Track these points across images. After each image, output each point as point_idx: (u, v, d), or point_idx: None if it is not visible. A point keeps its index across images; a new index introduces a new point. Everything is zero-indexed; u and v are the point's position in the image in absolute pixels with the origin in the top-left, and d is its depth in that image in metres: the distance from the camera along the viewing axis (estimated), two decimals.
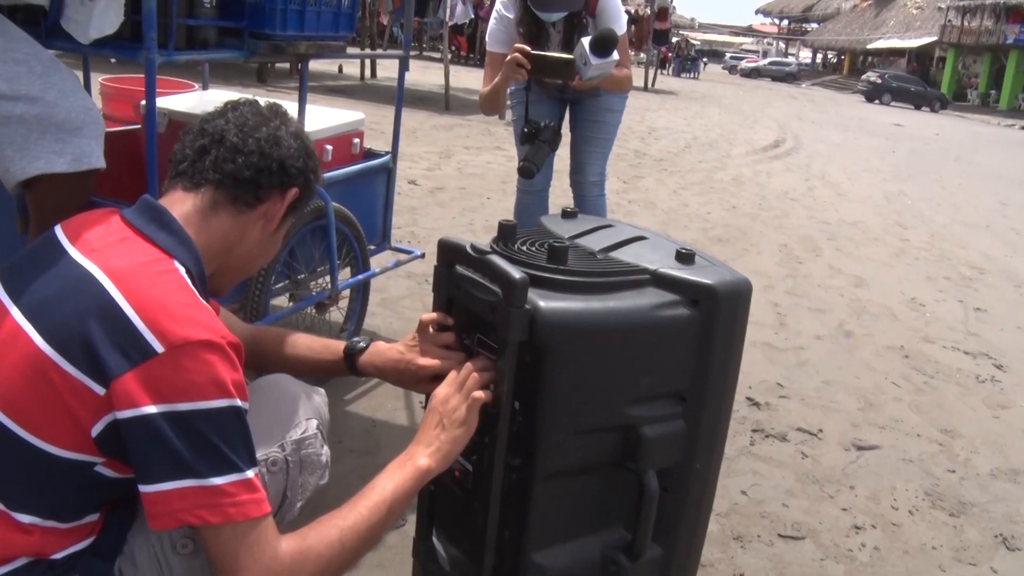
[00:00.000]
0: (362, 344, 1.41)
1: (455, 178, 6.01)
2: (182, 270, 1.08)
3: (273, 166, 1.18)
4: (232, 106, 1.24)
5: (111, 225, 1.12)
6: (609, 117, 2.98)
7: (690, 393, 1.33)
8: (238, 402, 1.01)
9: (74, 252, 1.07)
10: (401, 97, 2.78)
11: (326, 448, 1.30)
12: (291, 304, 2.44)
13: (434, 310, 1.39)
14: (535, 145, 2.46)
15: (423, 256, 2.93)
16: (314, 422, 1.29)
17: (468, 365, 1.27)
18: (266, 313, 2.21)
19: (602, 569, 1.38)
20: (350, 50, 3.10)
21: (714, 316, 1.29)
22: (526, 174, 2.48)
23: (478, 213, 5.07)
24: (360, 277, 2.58)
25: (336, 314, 2.68)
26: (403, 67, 2.75)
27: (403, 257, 2.86)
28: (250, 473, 1.01)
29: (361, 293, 2.70)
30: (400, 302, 3.37)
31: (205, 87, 3.00)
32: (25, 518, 1.01)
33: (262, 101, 1.28)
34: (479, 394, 1.24)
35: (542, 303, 1.20)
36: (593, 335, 1.23)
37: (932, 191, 8.79)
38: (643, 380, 1.30)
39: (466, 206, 5.21)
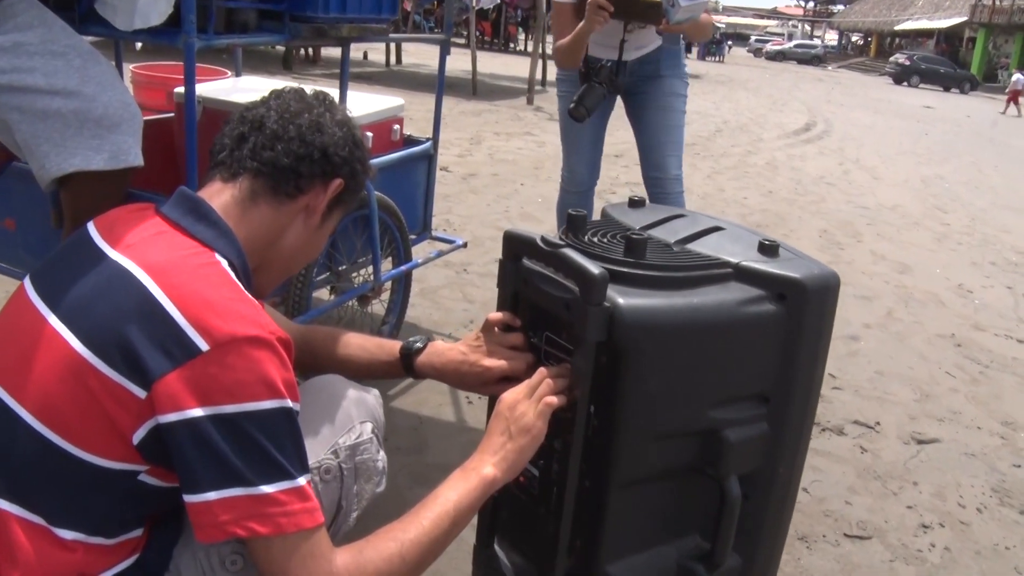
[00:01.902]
0: (419, 344, 1.34)
1: (487, 164, 5.94)
2: (224, 263, 1.01)
3: (315, 154, 1.11)
4: (275, 94, 1.17)
5: (146, 220, 1.05)
6: (676, 102, 2.68)
7: (774, 393, 1.25)
8: (289, 403, 0.94)
9: (108, 249, 1.00)
10: (442, 82, 2.70)
11: (382, 453, 1.23)
12: (332, 297, 2.38)
13: (499, 307, 1.32)
14: (589, 85, 2.25)
15: (465, 245, 2.86)
16: (369, 425, 1.22)
17: (541, 370, 1.20)
18: (308, 307, 2.15)
19: None
20: (392, 34, 3.02)
21: (801, 312, 1.21)
22: (576, 117, 2.28)
23: (512, 200, 4.99)
24: (403, 268, 2.51)
25: (376, 306, 2.62)
26: (444, 51, 2.67)
27: (445, 247, 2.79)
28: (302, 480, 0.94)
29: (403, 285, 2.64)
30: (439, 292, 3.30)
31: (238, 73, 2.94)
32: (68, 535, 0.94)
33: (308, 88, 1.21)
34: (551, 399, 1.17)
35: (621, 300, 1.13)
36: (676, 334, 1.15)
37: (969, 174, 8.59)
38: (726, 381, 1.22)
39: (500, 193, 5.13)
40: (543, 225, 4.51)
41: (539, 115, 9.09)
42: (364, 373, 1.39)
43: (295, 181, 1.11)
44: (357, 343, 1.39)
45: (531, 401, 1.17)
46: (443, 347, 1.33)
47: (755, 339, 1.21)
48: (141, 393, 0.90)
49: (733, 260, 1.23)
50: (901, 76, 31.17)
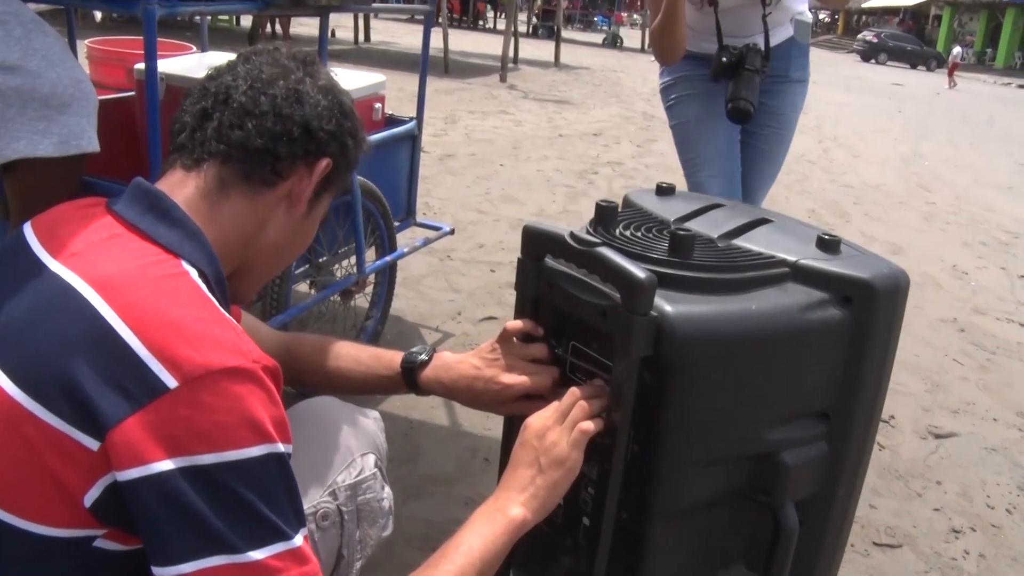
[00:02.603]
0: (423, 356, 1.16)
1: (464, 144, 5.74)
2: (193, 272, 0.82)
3: (294, 130, 0.92)
4: (244, 57, 0.97)
5: (95, 220, 0.86)
6: (793, 122, 2.19)
7: (836, 410, 1.09)
8: (280, 447, 0.76)
9: (48, 259, 0.81)
10: (426, 57, 2.51)
11: (388, 490, 1.06)
12: (313, 292, 2.19)
13: (516, 314, 1.14)
14: (742, 75, 1.79)
15: (452, 232, 2.68)
16: (371, 458, 1.05)
17: (573, 391, 1.03)
18: (287, 305, 1.96)
19: None
20: (374, 4, 2.82)
21: (870, 316, 1.05)
22: (743, 116, 1.79)
23: (493, 181, 4.81)
24: (388, 258, 2.33)
25: (359, 300, 2.43)
26: (428, 23, 2.48)
27: (431, 234, 2.61)
28: (298, 539, 0.77)
29: (388, 276, 2.45)
30: (423, 281, 3.12)
31: (204, 49, 2.72)
32: None
33: (284, 48, 1.00)
34: (586, 426, 1.00)
35: (670, 308, 0.96)
36: (731, 346, 0.99)
37: (946, 152, 8.54)
38: (784, 398, 1.06)
39: (479, 173, 4.94)
40: (526, 207, 4.35)
41: (513, 93, 8.88)
42: (358, 389, 1.21)
43: (272, 165, 0.91)
44: (350, 354, 1.21)
45: (563, 428, 1.00)
46: (452, 360, 1.15)
47: (817, 349, 1.05)
48: (93, 444, 0.72)
49: (790, 258, 1.07)
50: (869, 53, 31.26)
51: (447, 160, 5.20)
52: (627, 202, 1.34)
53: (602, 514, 1.04)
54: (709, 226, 1.17)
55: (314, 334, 1.31)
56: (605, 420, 1.02)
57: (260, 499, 0.74)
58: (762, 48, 1.88)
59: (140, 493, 0.71)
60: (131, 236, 0.83)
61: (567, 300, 1.06)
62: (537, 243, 1.09)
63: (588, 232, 1.12)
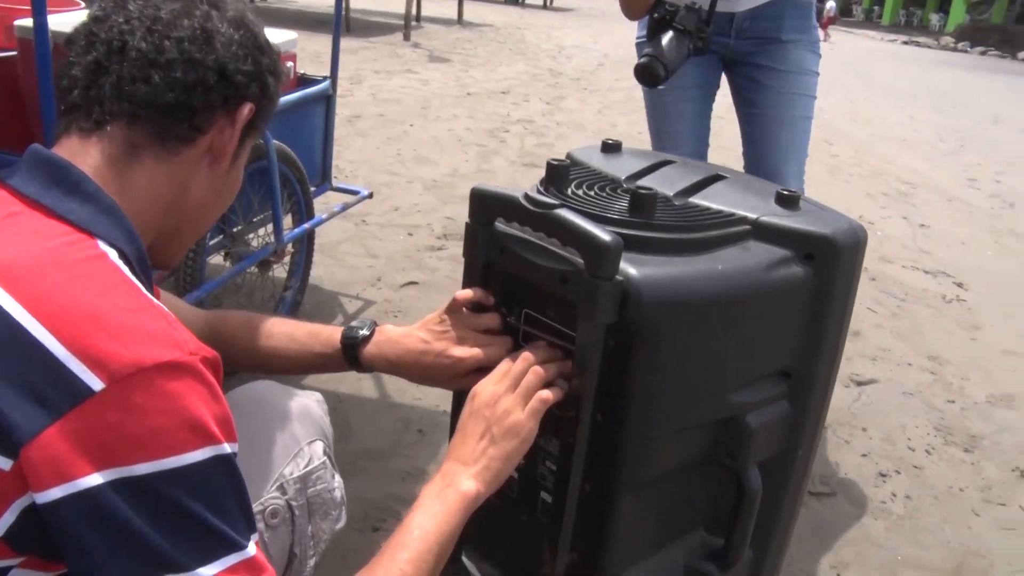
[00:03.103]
0: (364, 331, 1.07)
1: (371, 104, 5.56)
2: (112, 253, 0.72)
3: (209, 77, 0.80)
4: None
5: None
6: (804, 84, 1.86)
7: (797, 369, 1.07)
8: (226, 447, 0.67)
9: None
10: (340, 11, 2.39)
11: (338, 479, 0.99)
12: (229, 264, 2.06)
13: (465, 282, 1.08)
14: (668, 35, 1.51)
15: (371, 196, 2.57)
16: (319, 445, 0.97)
17: (525, 355, 0.97)
18: (203, 279, 1.84)
19: None
20: None
21: (832, 273, 1.03)
22: (648, 76, 1.48)
23: (403, 142, 4.67)
24: (307, 226, 2.21)
25: (277, 269, 2.31)
26: None
27: (350, 199, 2.49)
28: (251, 547, 0.68)
29: (306, 244, 2.33)
30: (340, 248, 3.00)
31: (92, 2, 2.50)
32: None
33: None
34: (545, 395, 0.94)
35: (634, 271, 0.91)
36: (698, 309, 0.95)
37: (844, 107, 8.80)
38: (749, 359, 1.03)
39: (389, 135, 4.79)
40: (439, 168, 4.24)
41: (418, 52, 8.67)
42: (293, 369, 1.12)
43: (188, 119, 0.80)
44: (283, 332, 1.11)
45: (516, 395, 0.94)
46: (396, 334, 1.08)
47: (780, 308, 1.03)
48: (4, 464, 0.61)
49: (751, 215, 1.04)
50: None
51: (355, 121, 5.02)
52: (572, 160, 1.28)
53: (566, 488, 0.99)
54: (662, 183, 1.13)
55: (240, 310, 1.21)
56: (566, 390, 0.97)
57: (207, 508, 0.66)
58: (703, 10, 1.58)
59: (65, 514, 0.61)
60: (34, 214, 0.72)
61: (521, 266, 0.99)
62: (487, 207, 1.02)
63: (540, 192, 1.06)
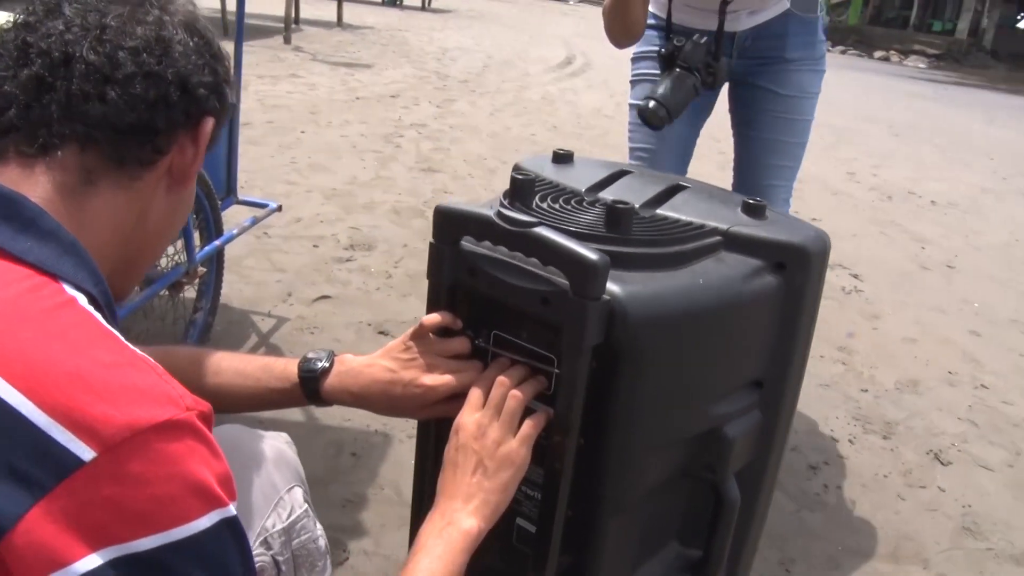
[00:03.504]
0: (323, 363, 1.00)
1: (259, 111, 5.35)
2: (81, 298, 0.63)
3: (172, 92, 0.72)
4: None
5: None
6: (803, 107, 1.81)
7: (769, 377, 1.07)
8: (231, 509, 0.61)
9: None
10: (241, 16, 2.27)
11: (319, 526, 0.92)
12: (139, 290, 1.91)
13: (430, 305, 1.02)
14: (674, 74, 1.48)
15: (280, 208, 2.45)
16: (298, 492, 0.90)
17: (500, 380, 0.93)
18: None
19: None
20: None
21: (802, 281, 1.03)
22: (652, 120, 1.47)
23: (297, 150, 4.51)
24: (218, 243, 2.08)
25: (187, 290, 2.17)
26: None
27: (259, 212, 2.37)
28: None
29: (215, 262, 2.20)
30: (243, 263, 2.85)
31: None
32: None
33: None
34: (536, 420, 0.91)
35: (618, 289, 0.88)
36: (681, 324, 0.93)
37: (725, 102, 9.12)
38: (728, 371, 1.02)
39: (281, 142, 4.62)
40: (337, 176, 4.12)
41: (301, 55, 8.42)
42: (245, 406, 1.04)
43: (150, 141, 0.72)
44: (233, 367, 1.03)
45: (502, 423, 0.90)
46: (359, 364, 1.01)
47: (754, 318, 1.02)
48: None
49: (722, 226, 1.02)
50: None
51: (244, 129, 4.79)
52: (521, 171, 1.23)
53: (552, 516, 0.95)
54: (626, 195, 1.10)
55: (183, 346, 1.11)
56: (550, 414, 0.93)
57: None
58: (711, 42, 1.52)
59: None
60: None
61: (495, 287, 0.94)
62: (454, 226, 0.96)
63: (505, 207, 1.02)
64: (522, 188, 1.02)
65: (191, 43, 0.75)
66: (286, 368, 1.02)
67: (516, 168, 1.26)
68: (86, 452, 0.54)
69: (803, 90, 1.80)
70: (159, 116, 0.72)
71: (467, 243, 0.97)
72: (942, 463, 2.12)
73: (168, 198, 0.78)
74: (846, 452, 2.13)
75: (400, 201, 3.81)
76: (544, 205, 1.04)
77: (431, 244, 0.99)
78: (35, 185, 0.68)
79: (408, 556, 0.84)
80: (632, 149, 1.95)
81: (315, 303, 2.62)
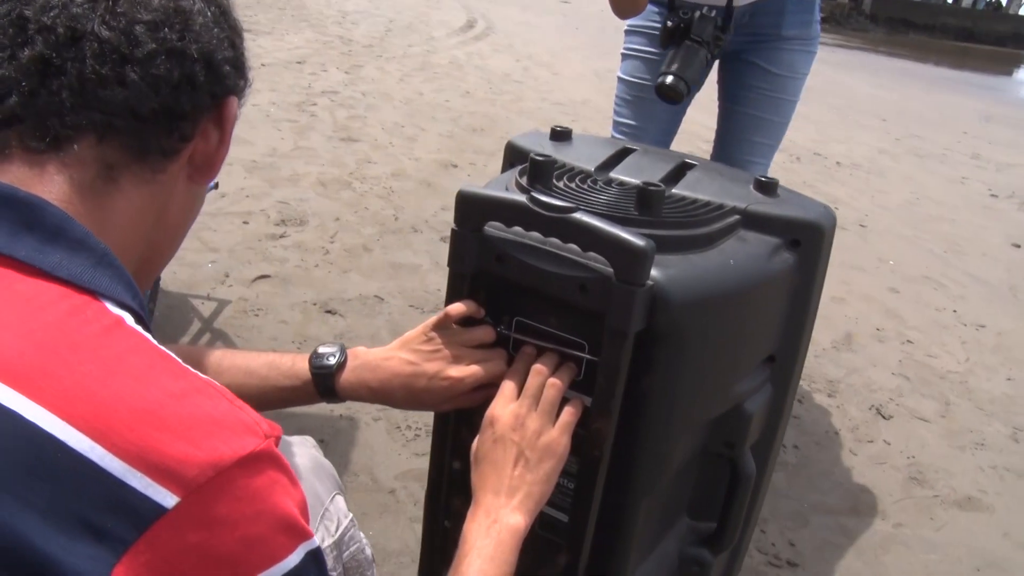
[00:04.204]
0: (336, 356, 0.96)
1: None
2: (127, 317, 0.57)
3: (197, 71, 0.66)
4: None
5: None
6: (791, 87, 1.82)
7: (781, 352, 1.09)
8: (315, 540, 0.58)
9: None
10: None
11: (362, 534, 0.88)
12: None
13: (452, 294, 0.98)
14: (685, 47, 1.45)
15: (216, 187, 2.33)
16: (340, 500, 0.87)
17: (539, 368, 0.92)
18: None
19: (682, 572, 1.14)
20: None
21: (815, 257, 1.04)
22: (671, 95, 1.45)
23: None
24: None
25: None
26: None
27: None
28: None
29: None
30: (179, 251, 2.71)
31: None
32: None
33: None
34: (575, 408, 0.90)
35: (659, 273, 0.87)
36: (716, 306, 0.93)
37: None
38: (751, 349, 1.03)
39: None
40: (256, 147, 3.95)
41: None
42: (252, 407, 0.99)
43: (176, 127, 0.65)
44: (235, 365, 0.98)
45: (541, 413, 0.89)
46: (376, 357, 0.97)
47: (773, 295, 1.03)
48: None
49: (740, 205, 1.03)
50: None
51: None
52: (517, 149, 1.21)
53: (589, 504, 0.95)
54: (636, 174, 1.09)
55: (178, 344, 1.04)
56: (585, 401, 0.92)
57: None
58: (720, 15, 1.51)
59: None
60: (6, 273, 0.56)
61: (526, 274, 0.92)
62: (480, 211, 0.93)
63: (526, 188, 0.99)
64: (542, 169, 1.00)
65: (210, 14, 0.68)
66: (294, 364, 0.97)
67: (511, 146, 1.23)
68: (168, 498, 0.49)
69: (794, 70, 1.81)
70: (184, 99, 0.65)
71: (491, 229, 0.95)
72: (884, 417, 2.22)
73: (189, 190, 0.72)
74: (797, 411, 2.21)
75: (324, 172, 3.69)
76: (560, 185, 1.02)
77: (453, 231, 0.95)
78: (49, 185, 0.60)
79: (456, 557, 0.82)
80: (617, 123, 1.93)
81: (255, 283, 2.52)
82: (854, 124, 7.15)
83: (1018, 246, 3.97)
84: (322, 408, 1.89)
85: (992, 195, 4.99)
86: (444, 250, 3.14)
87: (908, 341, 2.72)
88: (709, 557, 1.13)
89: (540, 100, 6.30)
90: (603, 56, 9.83)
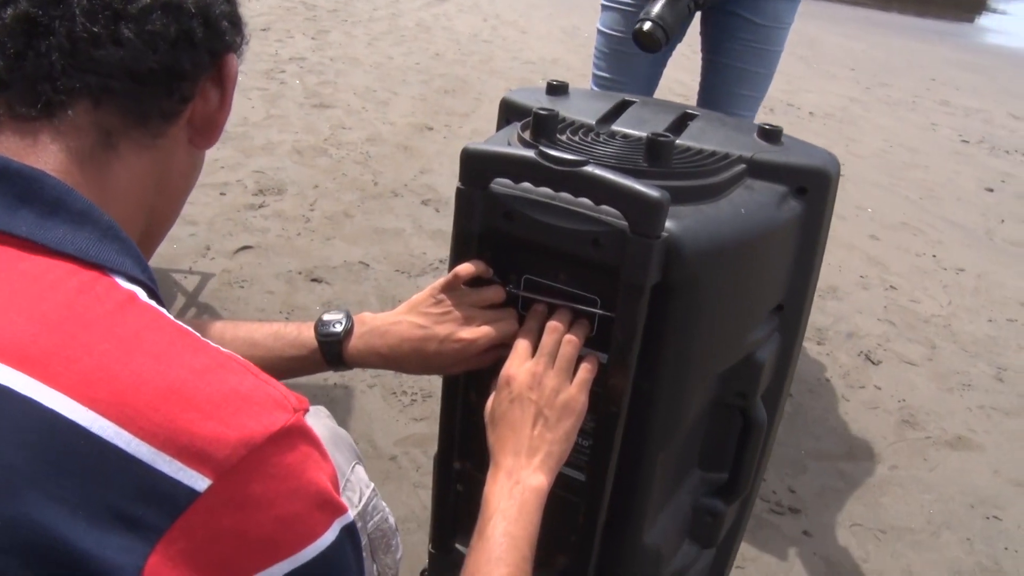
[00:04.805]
0: (342, 323, 0.94)
1: None
2: (140, 292, 0.55)
3: (196, 27, 0.63)
4: None
5: None
6: (774, 38, 1.78)
7: (789, 300, 1.08)
8: (349, 515, 0.56)
9: None
10: None
11: (384, 503, 0.87)
12: None
13: (459, 255, 0.97)
14: None
15: None
16: (360, 470, 0.86)
17: (554, 325, 0.91)
18: None
19: (696, 522, 1.14)
20: None
21: (822, 204, 1.04)
22: (649, 42, 1.40)
23: None
24: None
25: None
26: None
27: None
28: None
29: None
30: None
31: None
32: None
33: None
34: (591, 363, 0.89)
35: (672, 224, 0.86)
36: (730, 257, 0.92)
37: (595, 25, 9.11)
38: (761, 298, 1.03)
39: None
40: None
41: None
42: None
43: (176, 87, 0.63)
44: (239, 337, 0.96)
45: (558, 371, 0.88)
46: (384, 322, 0.95)
47: (782, 243, 1.03)
48: None
49: (745, 154, 1.01)
50: None
51: None
52: (514, 105, 1.18)
53: (607, 462, 0.94)
54: (639, 126, 1.07)
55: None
56: (599, 357, 0.91)
57: None
58: None
59: None
60: (7, 252, 0.53)
61: (535, 231, 0.91)
62: (487, 168, 0.91)
63: (525, 143, 0.97)
64: (546, 124, 0.98)
65: None
66: (300, 334, 0.96)
67: (506, 102, 1.20)
68: (200, 481, 0.47)
69: (779, 20, 1.77)
70: (184, 57, 0.62)
71: (497, 186, 0.93)
72: (873, 363, 2.25)
73: (190, 154, 0.70)
74: None
75: (299, 140, 3.63)
76: (564, 139, 1.00)
77: (459, 189, 0.93)
78: (44, 155, 0.58)
79: (480, 520, 0.81)
80: (596, 76, 1.90)
81: (237, 255, 2.48)
82: (824, 74, 7.16)
83: (991, 190, 4.01)
84: (315, 377, 1.87)
85: (963, 140, 5.03)
86: (426, 214, 3.12)
87: (891, 287, 2.75)
88: (722, 507, 1.13)
89: (510, 60, 6.22)
90: (569, 12, 9.72)
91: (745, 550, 1.49)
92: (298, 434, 0.53)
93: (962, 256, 3.09)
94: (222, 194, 2.92)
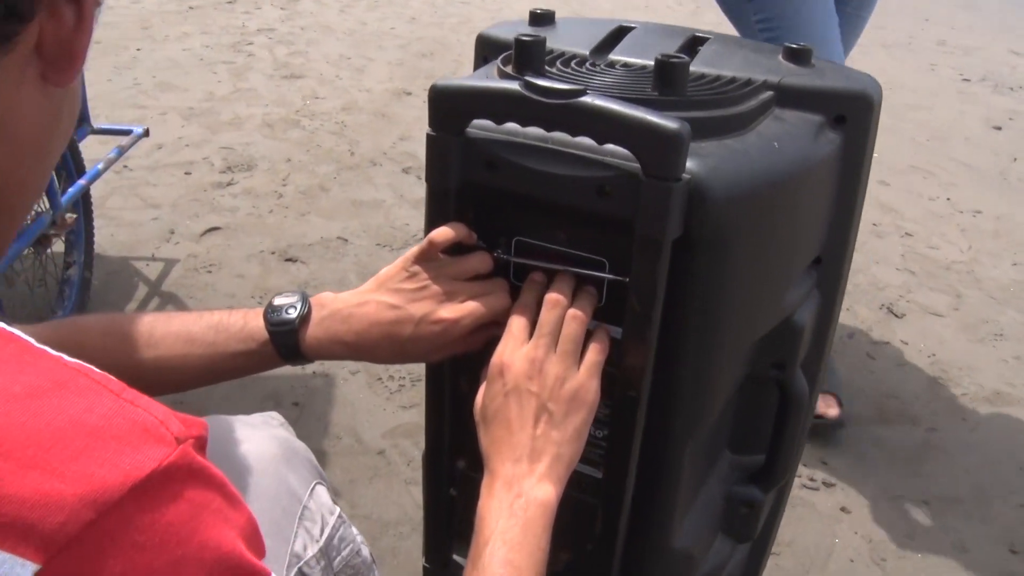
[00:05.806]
0: (297, 308, 0.77)
1: None
2: None
3: None
4: None
5: None
6: None
7: (828, 252, 0.92)
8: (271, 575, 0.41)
9: None
10: None
11: (355, 530, 0.71)
12: None
13: (434, 216, 0.79)
14: None
15: (147, 133, 2.10)
16: (321, 490, 0.70)
17: (554, 298, 0.74)
18: None
19: (729, 515, 0.99)
20: None
21: (863, 136, 0.86)
22: None
23: (136, 69, 4.00)
24: (83, 182, 1.74)
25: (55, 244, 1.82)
26: None
27: (123, 141, 2.01)
28: None
29: (82, 206, 1.85)
30: (108, 204, 2.47)
31: None
32: None
33: None
34: (601, 343, 0.73)
35: (694, 164, 0.69)
36: (763, 201, 0.75)
37: None
38: (798, 249, 0.86)
39: (116, 63, 4.08)
40: (191, 93, 3.68)
41: None
42: (198, 380, 0.79)
43: (10, 5, 0.44)
44: (171, 332, 0.78)
45: (562, 354, 0.72)
46: (344, 304, 0.78)
47: (820, 183, 0.85)
48: None
49: (771, 78, 0.84)
50: None
51: None
52: (491, 41, 1.00)
53: (628, 455, 0.78)
54: (640, 54, 0.89)
55: (94, 315, 0.85)
56: (610, 331, 0.75)
57: None
58: None
59: None
60: None
61: (525, 182, 0.74)
62: (461, 108, 0.74)
63: (507, 77, 0.80)
64: (531, 52, 0.80)
65: None
66: (247, 323, 0.78)
67: (483, 38, 1.02)
68: (20, 568, 0.31)
69: None
70: None
71: (476, 130, 0.75)
72: (896, 316, 2.09)
73: (44, 93, 0.51)
74: None
75: (269, 113, 3.43)
76: (554, 71, 0.82)
77: (429, 136, 0.76)
78: None
79: (474, 544, 0.65)
80: (765, 19, 1.74)
81: (204, 237, 2.30)
82: None
83: (999, 128, 3.84)
84: (293, 367, 1.71)
85: (964, 79, 4.84)
86: (407, 182, 2.94)
87: (907, 234, 2.58)
88: (759, 495, 0.98)
89: (490, 20, 5.95)
90: None
91: (779, 535, 1.34)
92: (184, 476, 0.37)
93: (977, 198, 2.92)
94: (187, 173, 2.73)
